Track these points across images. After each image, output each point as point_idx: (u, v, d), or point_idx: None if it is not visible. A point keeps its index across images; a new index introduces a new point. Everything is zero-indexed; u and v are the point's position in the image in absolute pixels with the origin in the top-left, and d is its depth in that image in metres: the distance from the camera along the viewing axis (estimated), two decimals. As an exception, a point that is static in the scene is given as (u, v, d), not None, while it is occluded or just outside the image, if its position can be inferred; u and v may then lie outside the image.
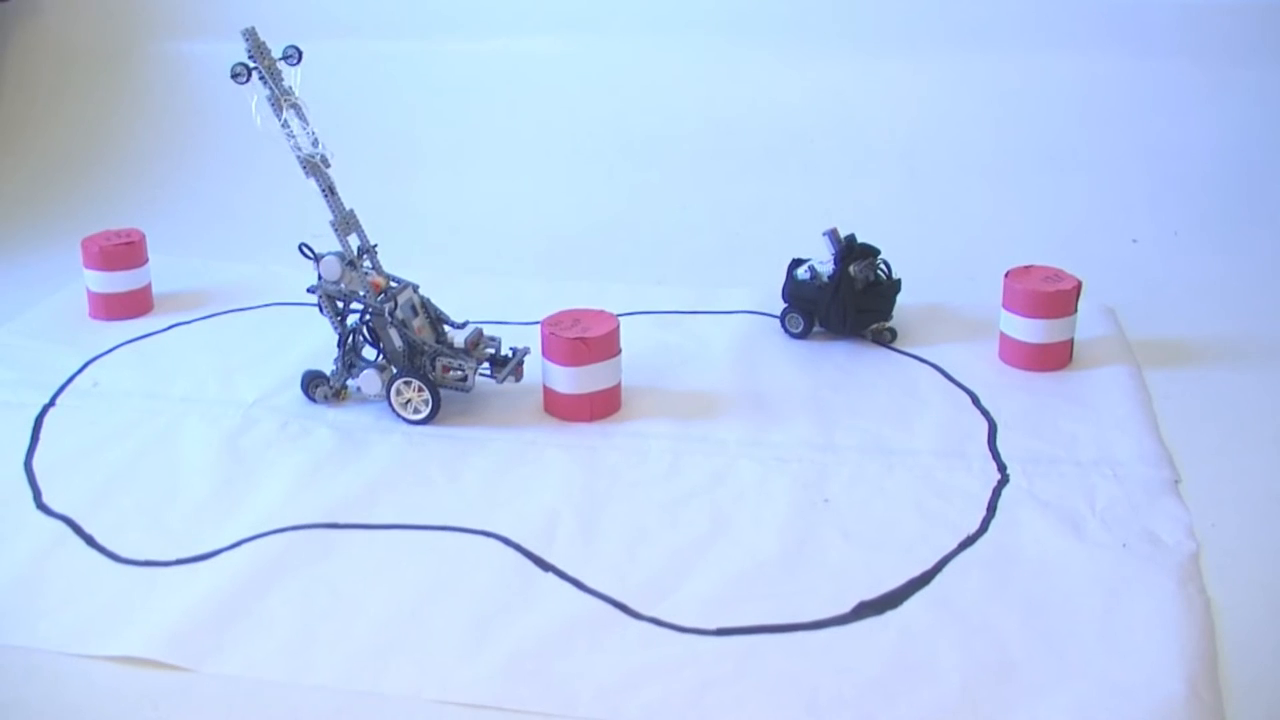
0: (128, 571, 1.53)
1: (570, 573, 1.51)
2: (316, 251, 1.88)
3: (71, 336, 2.19)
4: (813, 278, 2.11)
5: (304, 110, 1.85)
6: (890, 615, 1.42)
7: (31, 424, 1.88)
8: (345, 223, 1.88)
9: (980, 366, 2.01)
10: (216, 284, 2.42)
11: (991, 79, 2.84)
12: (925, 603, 1.44)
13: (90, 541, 1.59)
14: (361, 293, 1.87)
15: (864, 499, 1.65)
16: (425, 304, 1.92)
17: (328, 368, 1.91)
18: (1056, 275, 2.01)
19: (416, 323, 1.88)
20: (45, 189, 2.97)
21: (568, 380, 1.85)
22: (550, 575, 1.51)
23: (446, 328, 1.92)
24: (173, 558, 1.55)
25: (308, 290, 1.92)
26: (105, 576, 1.52)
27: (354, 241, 1.90)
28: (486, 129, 2.99)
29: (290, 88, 1.85)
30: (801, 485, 1.68)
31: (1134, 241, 2.51)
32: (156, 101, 3.17)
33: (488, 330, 1.93)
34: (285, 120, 1.84)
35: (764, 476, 1.71)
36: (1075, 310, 1.98)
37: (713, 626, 1.41)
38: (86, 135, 3.12)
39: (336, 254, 1.86)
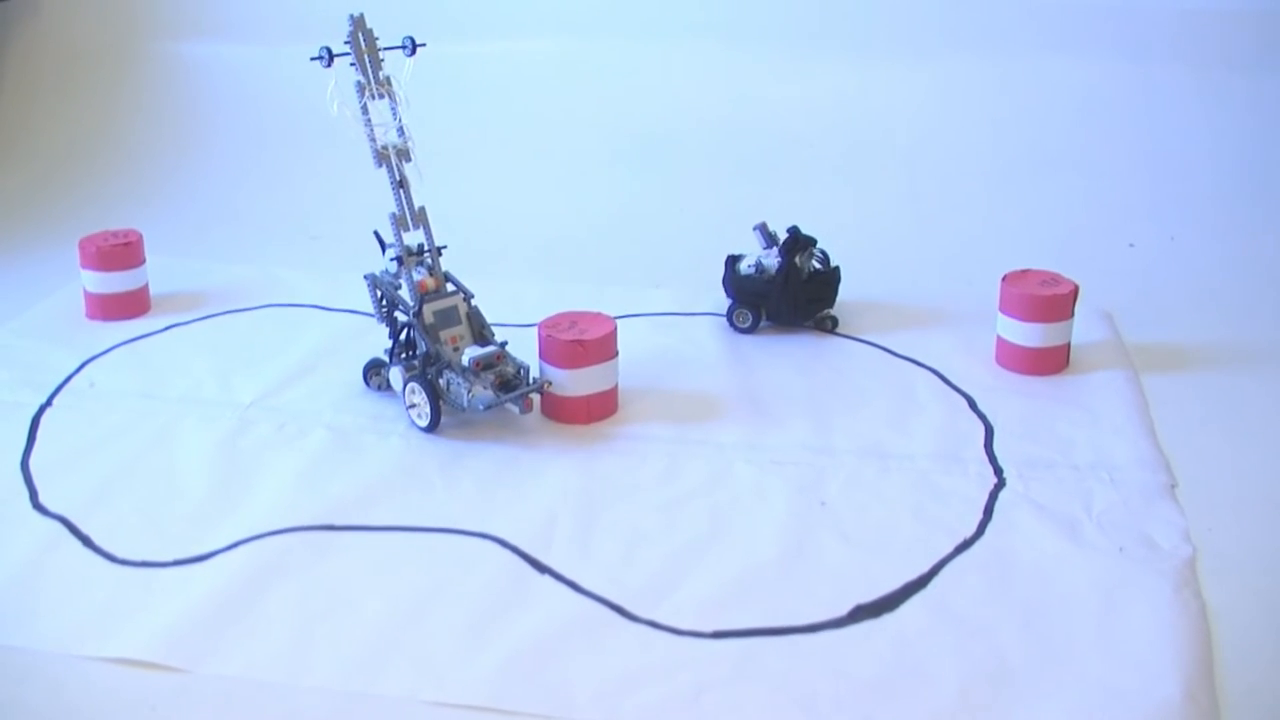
0: (124, 572, 1.53)
1: (567, 575, 1.51)
2: (388, 241, 1.87)
3: (68, 337, 2.19)
4: (759, 271, 2.14)
5: (397, 101, 1.83)
6: (887, 618, 1.42)
7: (28, 424, 1.88)
8: (406, 219, 1.86)
9: (977, 370, 2.01)
10: (214, 285, 2.42)
11: (989, 83, 2.85)
12: (922, 606, 1.44)
13: (87, 542, 1.59)
14: (402, 290, 1.85)
15: (861, 502, 1.65)
16: (472, 316, 1.88)
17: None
18: (1053, 279, 2.01)
19: (451, 332, 1.84)
20: (43, 189, 2.97)
21: (565, 382, 1.85)
22: (547, 577, 1.51)
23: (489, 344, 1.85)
24: (170, 559, 1.55)
25: (364, 277, 1.91)
26: (102, 577, 1.52)
27: (418, 239, 1.87)
28: (484, 131, 2.99)
29: (388, 77, 1.84)
30: (798, 488, 1.68)
31: (1131, 246, 2.52)
32: (155, 102, 3.17)
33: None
34: (365, 105, 1.82)
35: (761, 479, 1.71)
36: (1072, 314, 1.99)
37: (709, 629, 1.41)
38: (85, 136, 3.12)
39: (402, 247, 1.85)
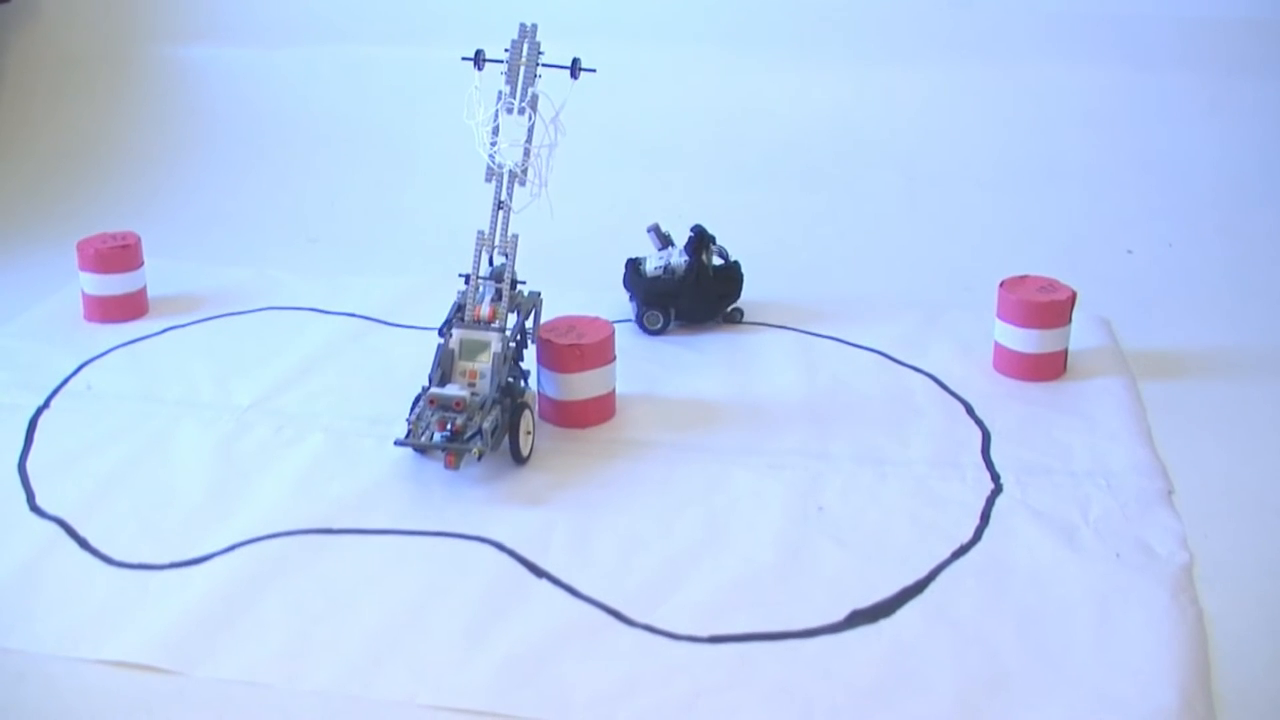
0: (121, 575, 1.53)
1: (564, 579, 1.51)
2: (496, 262, 1.84)
3: (66, 339, 2.18)
4: (667, 272, 2.16)
5: (535, 120, 1.76)
6: (884, 624, 1.42)
7: (25, 426, 1.88)
8: (491, 240, 1.81)
9: (975, 376, 2.01)
10: (211, 288, 2.41)
11: (990, 89, 2.85)
12: (918, 612, 1.45)
13: (84, 544, 1.59)
14: (459, 309, 1.81)
15: (858, 507, 1.65)
16: (503, 358, 1.76)
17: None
18: (1051, 285, 2.01)
19: (472, 365, 1.75)
20: (42, 191, 2.97)
21: (562, 387, 1.85)
22: (544, 582, 1.51)
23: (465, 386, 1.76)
24: (166, 561, 1.55)
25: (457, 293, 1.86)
26: (98, 579, 1.52)
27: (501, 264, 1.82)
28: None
29: (536, 95, 1.77)
30: (796, 493, 1.68)
31: (1129, 253, 2.52)
32: (154, 105, 3.17)
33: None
34: (496, 113, 1.75)
35: (758, 484, 1.71)
36: (1070, 321, 1.99)
37: (706, 634, 1.41)
38: (84, 138, 3.12)
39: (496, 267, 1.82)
